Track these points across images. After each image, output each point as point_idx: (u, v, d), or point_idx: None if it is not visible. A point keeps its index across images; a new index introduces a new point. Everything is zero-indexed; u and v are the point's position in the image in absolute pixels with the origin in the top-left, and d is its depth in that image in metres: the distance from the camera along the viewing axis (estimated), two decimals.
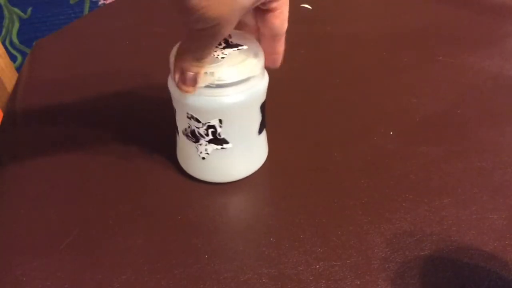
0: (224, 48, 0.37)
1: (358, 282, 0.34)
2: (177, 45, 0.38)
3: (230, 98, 0.36)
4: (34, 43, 0.64)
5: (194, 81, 0.34)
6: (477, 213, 0.39)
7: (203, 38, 0.32)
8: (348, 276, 0.34)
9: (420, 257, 0.35)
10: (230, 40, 0.38)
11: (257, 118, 0.39)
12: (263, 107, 0.39)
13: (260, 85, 0.38)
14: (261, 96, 0.39)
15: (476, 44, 0.62)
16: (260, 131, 0.41)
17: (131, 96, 0.52)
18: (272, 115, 0.46)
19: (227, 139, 0.38)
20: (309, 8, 0.70)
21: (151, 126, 0.48)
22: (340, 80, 0.56)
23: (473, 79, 0.56)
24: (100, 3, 1.33)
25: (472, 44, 0.62)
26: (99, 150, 0.45)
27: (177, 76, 0.35)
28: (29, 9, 1.27)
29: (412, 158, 0.44)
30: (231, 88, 0.36)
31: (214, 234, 0.37)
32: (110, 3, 0.75)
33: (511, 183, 0.41)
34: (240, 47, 0.37)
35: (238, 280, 0.34)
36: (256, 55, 0.37)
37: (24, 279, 0.34)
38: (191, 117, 0.37)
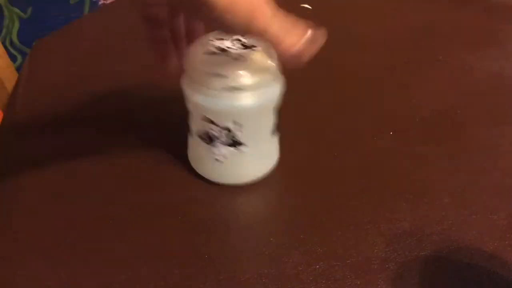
0: (239, 50, 0.37)
1: (358, 282, 0.33)
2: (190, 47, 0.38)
3: (245, 101, 0.36)
4: (34, 43, 0.64)
5: (313, 39, 0.31)
6: (477, 213, 0.39)
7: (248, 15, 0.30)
8: (348, 276, 0.34)
9: (420, 257, 0.35)
10: (245, 42, 0.38)
11: (271, 119, 0.39)
12: (276, 108, 0.39)
13: (275, 87, 0.38)
14: (276, 99, 0.39)
15: (476, 44, 0.62)
16: (273, 132, 0.41)
17: (131, 96, 0.52)
18: None
19: (242, 141, 0.38)
20: (309, 8, 0.70)
21: (153, 126, 0.48)
22: (340, 80, 0.56)
23: (473, 79, 0.56)
24: (100, 3, 1.33)
25: (472, 44, 0.62)
26: (100, 150, 0.45)
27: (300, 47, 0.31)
28: (29, 9, 1.27)
29: (412, 158, 0.44)
30: (246, 91, 0.36)
31: (214, 234, 0.37)
32: (110, 3, 0.75)
33: (511, 183, 0.41)
34: (255, 49, 0.37)
35: (238, 280, 0.34)
36: (271, 57, 0.37)
37: (24, 279, 0.34)
38: (206, 119, 0.37)
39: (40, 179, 0.43)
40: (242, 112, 0.37)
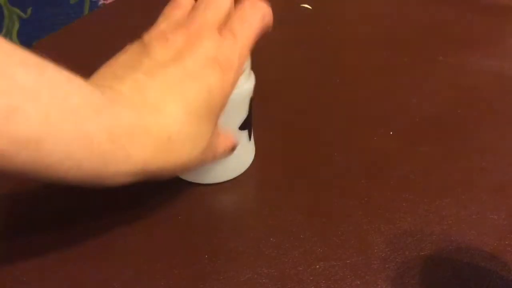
0: None
1: (358, 282, 0.34)
2: None
3: None
4: (34, 43, 0.64)
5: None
6: (477, 213, 0.39)
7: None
8: (348, 276, 0.34)
9: (420, 257, 0.35)
10: None
11: (243, 114, 0.39)
12: (251, 105, 0.39)
13: (246, 85, 0.38)
14: (248, 96, 0.39)
15: (476, 44, 0.62)
16: (243, 127, 0.40)
17: None
18: (271, 115, 0.46)
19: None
20: (309, 8, 0.70)
21: None
22: (340, 80, 0.56)
23: (473, 79, 0.56)
24: (100, 3, 1.33)
25: (472, 44, 0.62)
26: None
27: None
28: (29, 9, 1.27)
29: (412, 158, 0.44)
30: None
31: (214, 234, 0.37)
32: (110, 3, 0.75)
33: (511, 183, 0.41)
34: None
35: (238, 280, 0.34)
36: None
37: (24, 279, 0.34)
38: None
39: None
40: None
